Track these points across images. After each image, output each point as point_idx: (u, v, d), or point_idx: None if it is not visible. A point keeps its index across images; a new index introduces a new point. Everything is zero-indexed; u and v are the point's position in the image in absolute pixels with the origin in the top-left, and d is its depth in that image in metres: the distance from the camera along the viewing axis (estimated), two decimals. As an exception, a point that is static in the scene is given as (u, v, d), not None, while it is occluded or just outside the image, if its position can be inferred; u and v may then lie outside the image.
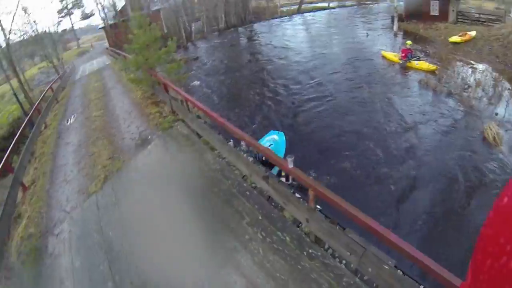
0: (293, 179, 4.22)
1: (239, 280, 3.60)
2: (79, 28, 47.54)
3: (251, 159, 5.37)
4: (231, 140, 6.25)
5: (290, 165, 4.03)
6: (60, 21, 38.75)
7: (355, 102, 11.43)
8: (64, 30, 42.99)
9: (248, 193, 4.93)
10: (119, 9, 29.36)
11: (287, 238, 3.97)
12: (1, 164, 7.81)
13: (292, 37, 23.77)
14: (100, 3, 30.68)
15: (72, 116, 11.82)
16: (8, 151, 8.73)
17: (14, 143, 9.57)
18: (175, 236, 4.56)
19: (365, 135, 9.11)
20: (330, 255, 3.65)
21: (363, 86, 12.67)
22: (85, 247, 5.17)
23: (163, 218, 4.98)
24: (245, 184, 5.13)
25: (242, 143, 6.29)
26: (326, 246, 3.75)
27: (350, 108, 11.01)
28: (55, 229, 6.01)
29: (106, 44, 29.37)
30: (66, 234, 5.72)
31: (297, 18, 31.47)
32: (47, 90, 17.28)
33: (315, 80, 13.98)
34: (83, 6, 40.25)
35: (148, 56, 9.86)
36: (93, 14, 41.74)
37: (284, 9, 35.23)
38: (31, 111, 13.23)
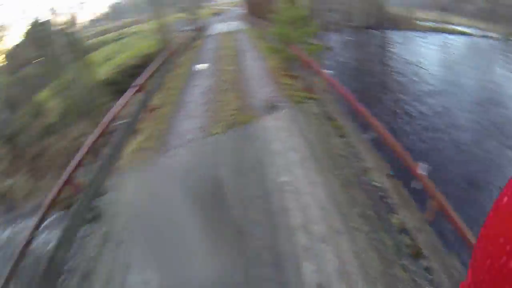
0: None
1: (333, 260, 3.84)
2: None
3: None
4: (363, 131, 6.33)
5: (421, 171, 4.14)
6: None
7: (483, 151, 10.42)
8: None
9: (366, 186, 5.11)
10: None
11: (389, 242, 4.06)
12: (134, 84, 9.23)
13: (426, 55, 22.41)
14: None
15: (204, 64, 13.48)
16: (141, 76, 10.00)
17: (147, 72, 11.12)
18: (286, 203, 4.90)
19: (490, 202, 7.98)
20: (424, 275, 3.66)
21: (494, 135, 11.42)
22: (193, 178, 5.86)
23: (273, 181, 5.31)
24: (365, 177, 5.31)
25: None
26: (424, 265, 3.77)
27: (476, 157, 10.09)
28: (170, 151, 7.01)
29: (243, 10, 31.96)
30: (180, 158, 6.63)
31: (433, 37, 28.99)
32: (182, 37, 20.06)
33: (442, 109, 13.44)
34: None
35: (291, 31, 10.73)
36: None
37: (420, 23, 33.10)
38: (166, 51, 15.46)
